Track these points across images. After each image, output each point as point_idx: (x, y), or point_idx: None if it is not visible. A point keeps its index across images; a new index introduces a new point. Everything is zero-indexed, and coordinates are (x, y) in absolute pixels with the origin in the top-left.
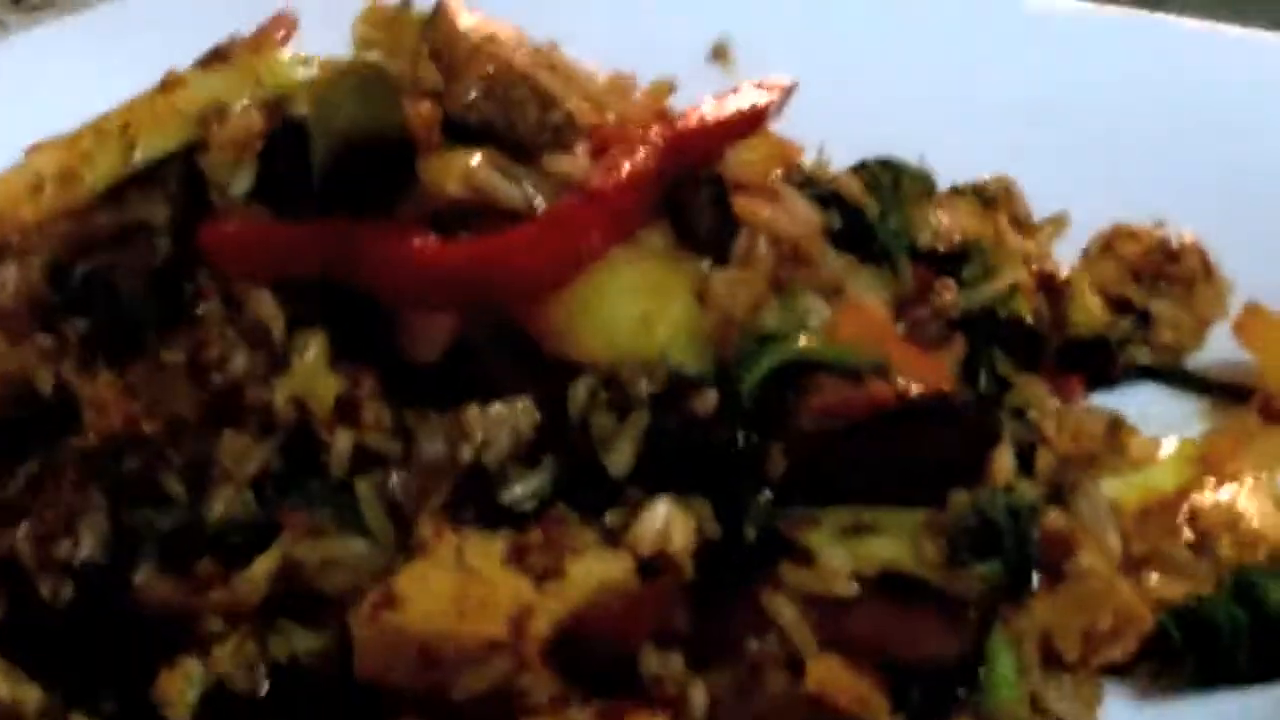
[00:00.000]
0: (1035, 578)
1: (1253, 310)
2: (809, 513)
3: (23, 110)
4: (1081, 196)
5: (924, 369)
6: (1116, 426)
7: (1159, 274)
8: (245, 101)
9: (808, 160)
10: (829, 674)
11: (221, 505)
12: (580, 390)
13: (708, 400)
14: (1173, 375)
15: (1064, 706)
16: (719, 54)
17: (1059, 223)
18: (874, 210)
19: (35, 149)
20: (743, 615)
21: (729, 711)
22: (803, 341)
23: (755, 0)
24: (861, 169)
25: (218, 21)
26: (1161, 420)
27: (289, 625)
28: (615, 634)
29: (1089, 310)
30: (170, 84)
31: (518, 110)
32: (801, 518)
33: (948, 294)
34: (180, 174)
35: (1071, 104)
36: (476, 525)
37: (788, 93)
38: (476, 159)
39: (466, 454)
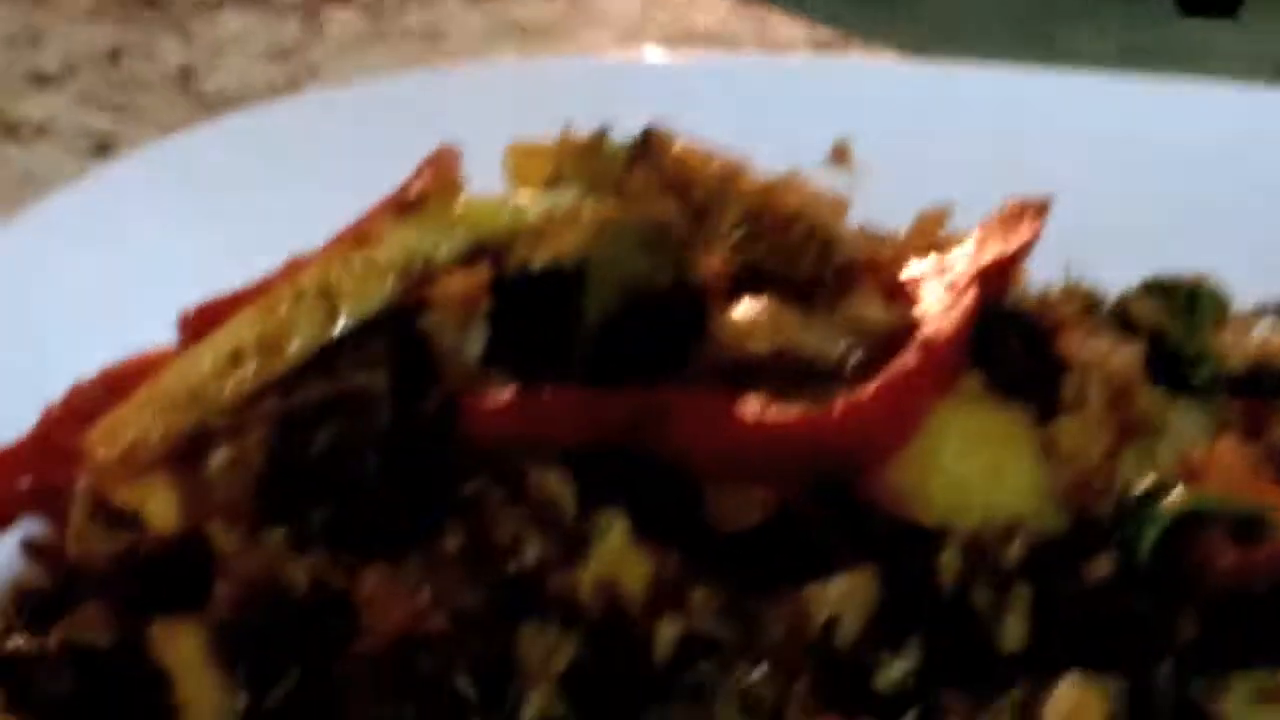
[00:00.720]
0: None
1: None
2: (1218, 679)
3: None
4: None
5: None
6: None
7: None
8: (448, 251)
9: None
10: None
11: (535, 709)
12: (951, 559)
13: (1104, 565)
14: None
15: None
16: (839, 156)
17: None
18: (1177, 337)
19: (203, 316)
20: None
21: None
22: (1186, 492)
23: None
24: (1151, 290)
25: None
26: None
27: None
28: None
29: None
30: (365, 238)
31: (796, 252)
32: (1210, 685)
33: None
34: (394, 336)
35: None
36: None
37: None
38: (778, 312)
39: (815, 637)
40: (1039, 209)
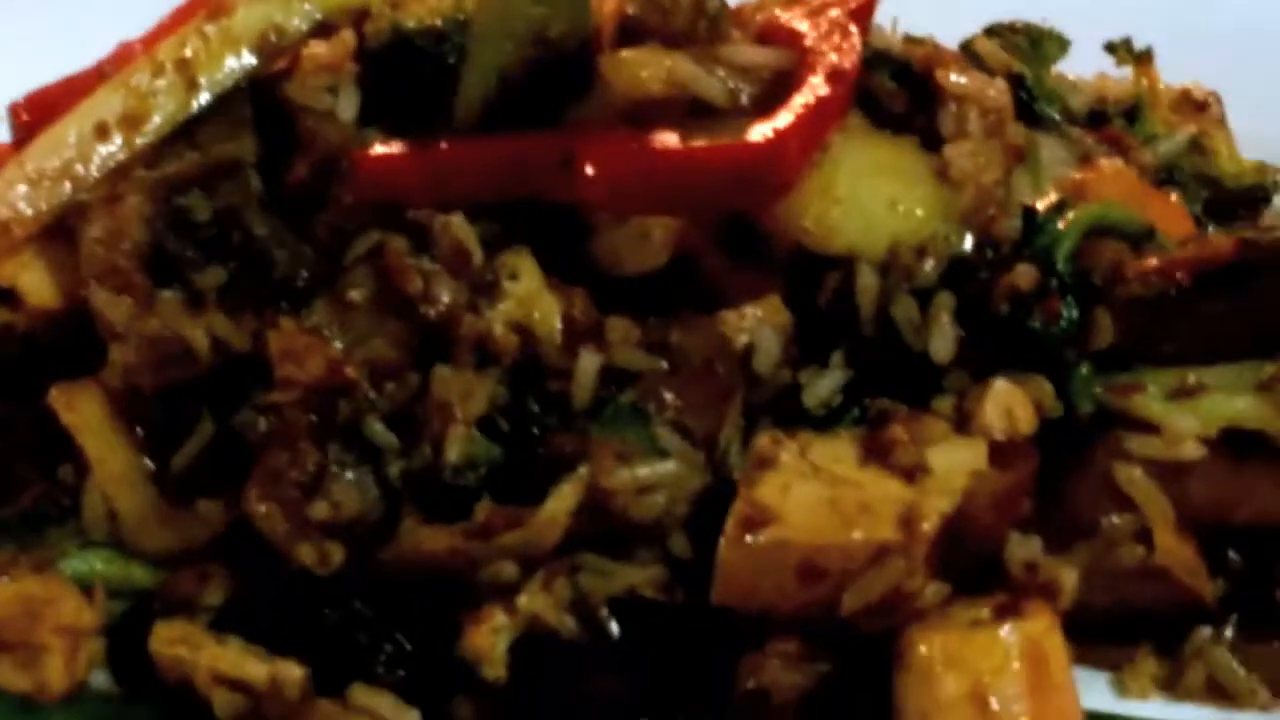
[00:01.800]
0: None
1: None
2: (1133, 379)
3: None
4: None
5: (1180, 220)
6: None
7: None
8: (300, 22)
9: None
10: (1172, 545)
11: (457, 451)
12: (867, 280)
13: (1026, 275)
14: None
15: None
16: None
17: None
18: (1027, 75)
19: (34, 105)
20: (1090, 491)
21: (1088, 591)
22: (1091, 207)
23: None
24: (994, 34)
25: None
26: None
27: (600, 561)
28: (985, 525)
29: (1239, 162)
30: (217, 10)
31: (671, 1)
32: (1127, 385)
33: (1143, 153)
34: (258, 106)
35: None
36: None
37: None
38: (668, 56)
39: (737, 361)
40: None
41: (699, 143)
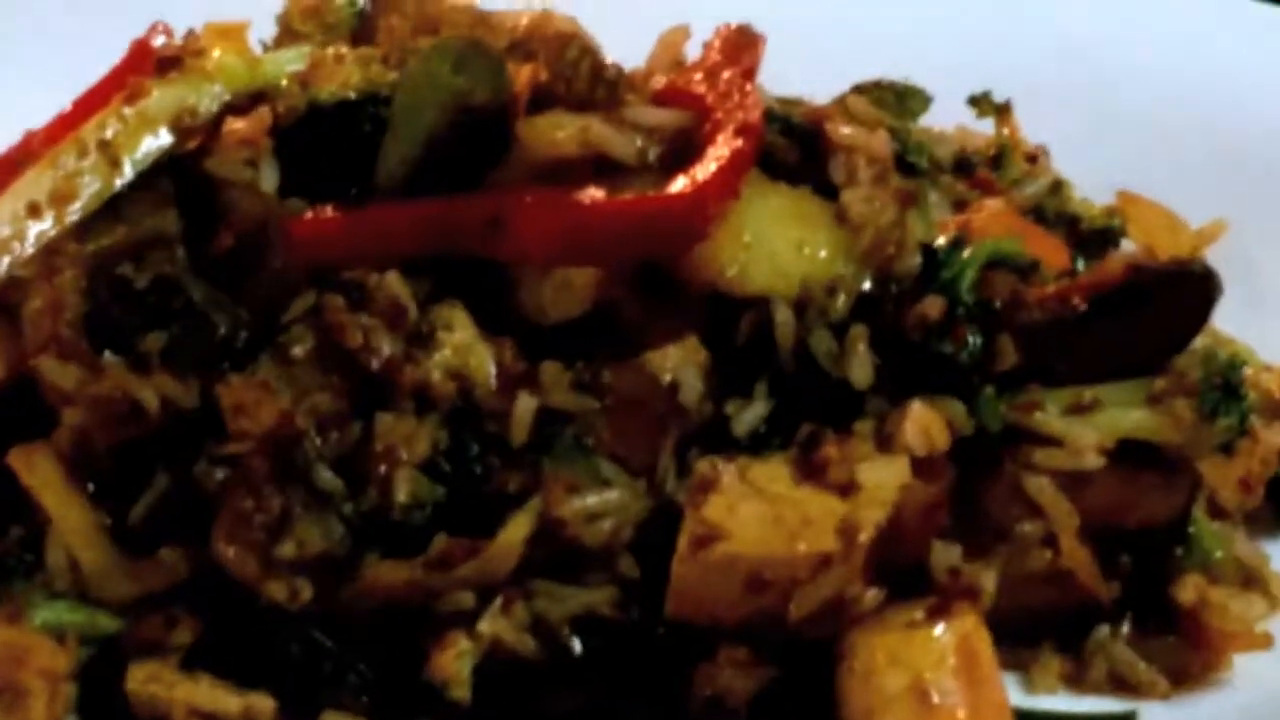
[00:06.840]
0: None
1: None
2: (1032, 397)
3: None
4: None
5: (1058, 252)
6: None
7: None
8: (210, 103)
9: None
10: (1075, 549)
11: (404, 493)
12: (785, 317)
13: (936, 305)
14: None
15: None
16: None
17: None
18: (896, 128)
19: None
20: (1002, 500)
21: (998, 595)
22: (986, 243)
23: None
24: (862, 91)
25: None
26: None
27: (552, 586)
28: (913, 533)
29: (1088, 204)
30: (135, 94)
31: (572, 69)
32: (1028, 403)
33: (1013, 195)
34: (179, 181)
35: None
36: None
37: None
38: (579, 118)
39: (666, 396)
40: (754, 33)
41: (623, 197)
